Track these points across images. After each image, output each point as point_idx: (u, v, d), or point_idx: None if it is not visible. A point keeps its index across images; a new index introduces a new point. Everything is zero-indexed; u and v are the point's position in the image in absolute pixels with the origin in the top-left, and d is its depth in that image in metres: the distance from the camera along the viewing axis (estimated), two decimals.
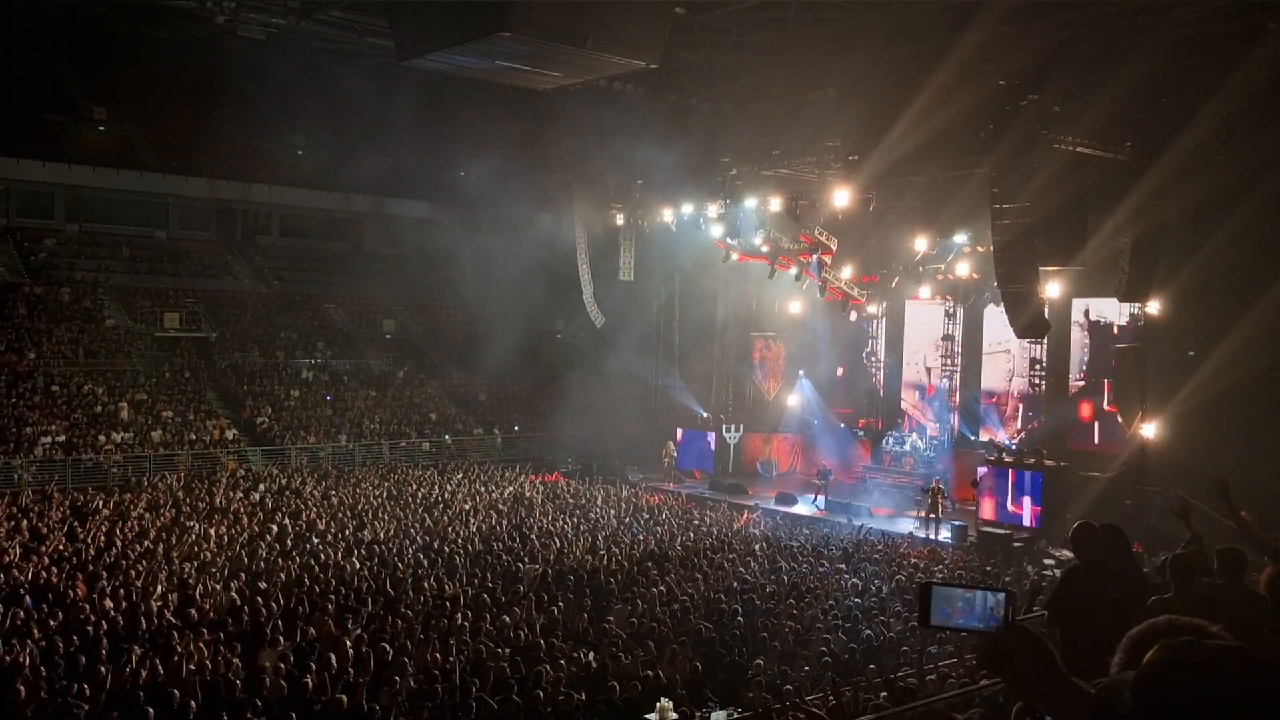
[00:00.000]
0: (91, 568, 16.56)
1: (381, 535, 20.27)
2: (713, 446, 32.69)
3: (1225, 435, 20.68)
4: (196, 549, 18.34)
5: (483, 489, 27.12)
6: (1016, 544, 22.65)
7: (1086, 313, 26.80)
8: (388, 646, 12.28)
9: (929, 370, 31.50)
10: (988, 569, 19.87)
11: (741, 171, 27.42)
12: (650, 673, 11.36)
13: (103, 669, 11.25)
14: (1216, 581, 5.89)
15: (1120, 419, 24.77)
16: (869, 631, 13.59)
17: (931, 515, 24.56)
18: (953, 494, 26.80)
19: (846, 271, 29.18)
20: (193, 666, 11.54)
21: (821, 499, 27.58)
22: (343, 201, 41.90)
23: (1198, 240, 20.98)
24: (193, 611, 13.85)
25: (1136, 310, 24.07)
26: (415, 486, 26.94)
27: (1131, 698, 1.80)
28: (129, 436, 29.75)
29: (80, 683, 10.80)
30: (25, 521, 20.50)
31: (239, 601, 14.56)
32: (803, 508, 27.37)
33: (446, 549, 18.85)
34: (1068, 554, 20.43)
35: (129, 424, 30.28)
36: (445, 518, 22.59)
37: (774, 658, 12.37)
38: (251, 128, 40.67)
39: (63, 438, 28.54)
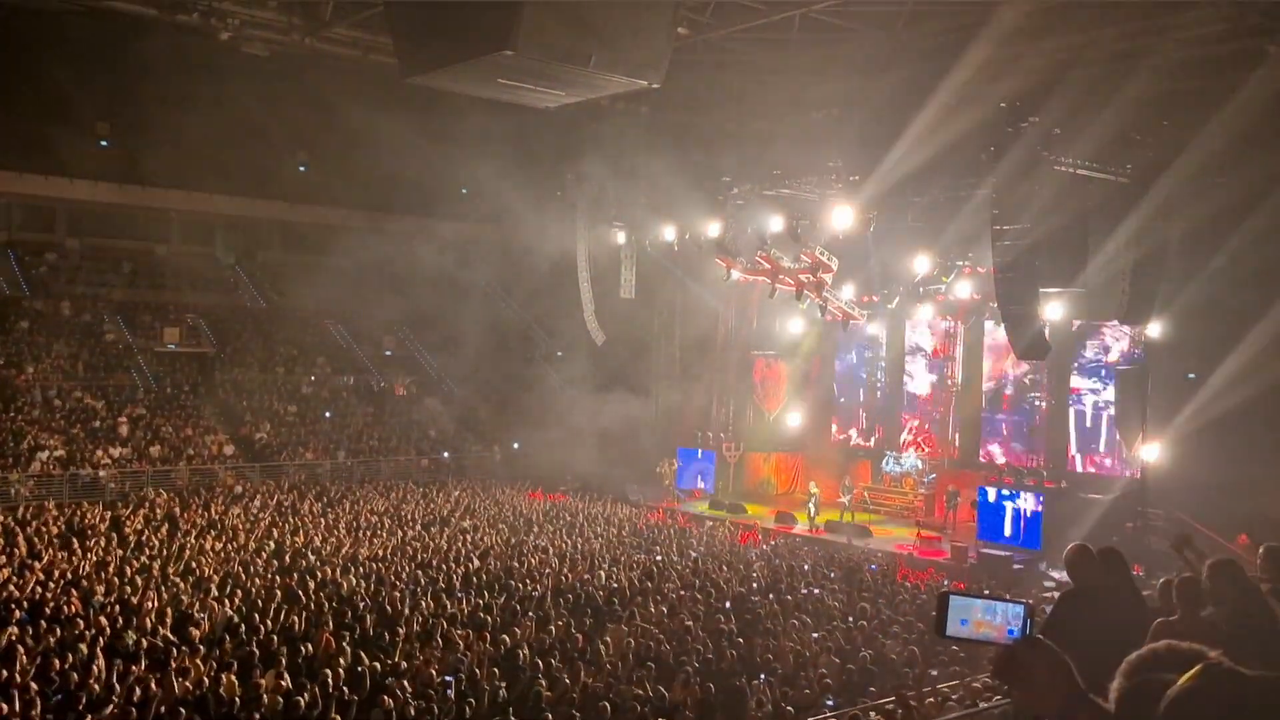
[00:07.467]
0: (87, 584, 16.46)
1: (379, 553, 20.18)
2: (713, 465, 32.62)
3: (1226, 458, 20.63)
4: (193, 565, 18.26)
5: (482, 507, 27.03)
6: (1016, 566, 22.56)
7: None
8: (384, 665, 12.22)
9: (929, 389, 31.45)
10: (985, 591, 19.77)
11: (743, 190, 27.45)
12: (648, 693, 11.29)
13: (98, 687, 11.16)
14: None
15: (1121, 440, 24.73)
16: (867, 653, 13.52)
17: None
18: (959, 511, 26.69)
19: (847, 291, 29.18)
20: (189, 684, 11.46)
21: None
22: (344, 217, 41.89)
23: (1199, 262, 21.01)
24: (189, 628, 13.77)
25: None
26: (414, 504, 26.85)
27: (1164, 718, 1.76)
28: (127, 451, 29.69)
29: (75, 701, 10.72)
30: (21, 536, 20.41)
31: (236, 619, 14.48)
32: (802, 528, 27.26)
33: (444, 567, 18.76)
34: (1067, 577, 20.37)
35: (127, 439, 30.22)
36: (443, 535, 22.51)
37: (774, 679, 12.29)
38: (253, 143, 40.71)
39: (61, 452, 28.47)
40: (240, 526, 22.49)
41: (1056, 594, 18.81)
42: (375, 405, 37.31)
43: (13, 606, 14.65)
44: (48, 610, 14.66)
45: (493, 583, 17.64)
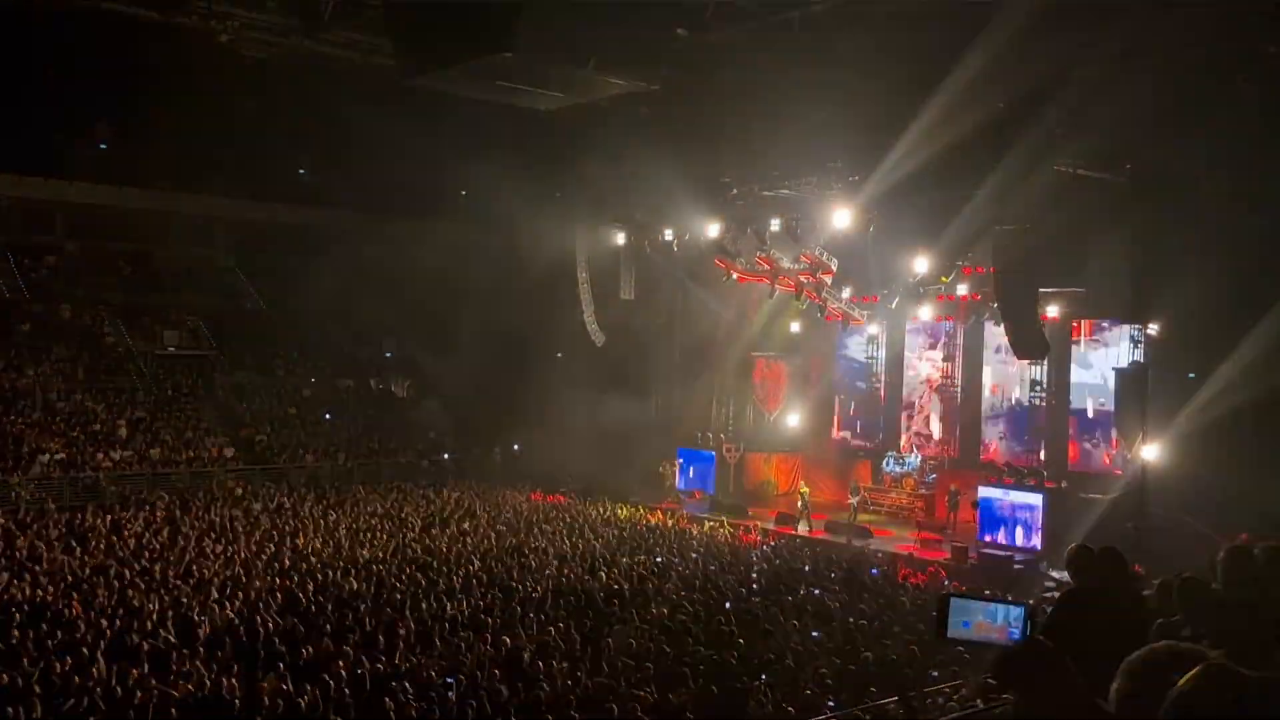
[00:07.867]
0: (88, 586, 16.47)
1: (380, 555, 20.19)
2: (713, 466, 32.59)
3: (1227, 458, 20.63)
4: (194, 568, 18.26)
5: (482, 509, 27.01)
6: (1017, 566, 22.56)
7: None
8: (384, 667, 12.22)
9: (929, 389, 31.44)
10: (986, 592, 19.75)
11: (742, 191, 27.43)
12: (649, 695, 11.29)
13: (99, 689, 11.16)
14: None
15: (1122, 441, 24.72)
16: (868, 654, 13.53)
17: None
18: (960, 511, 26.66)
19: (846, 291, 29.18)
20: (191, 686, 11.46)
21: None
22: (344, 220, 41.86)
23: (1198, 262, 20.98)
24: (191, 631, 13.77)
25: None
26: (414, 506, 26.84)
27: (1165, 718, 1.78)
28: (127, 454, 29.67)
29: (76, 704, 10.72)
30: (22, 539, 20.41)
31: (236, 621, 14.49)
32: (803, 529, 27.22)
33: (444, 569, 18.77)
34: (1068, 577, 20.34)
35: (127, 442, 30.21)
36: (444, 537, 22.50)
37: (775, 680, 12.29)
38: (253, 145, 40.71)
39: (61, 455, 28.46)
40: (240, 529, 22.48)
41: (1057, 594, 18.82)
42: (375, 407, 37.28)
43: (14, 609, 14.65)
44: (49, 613, 14.67)
45: (493, 584, 17.65)
